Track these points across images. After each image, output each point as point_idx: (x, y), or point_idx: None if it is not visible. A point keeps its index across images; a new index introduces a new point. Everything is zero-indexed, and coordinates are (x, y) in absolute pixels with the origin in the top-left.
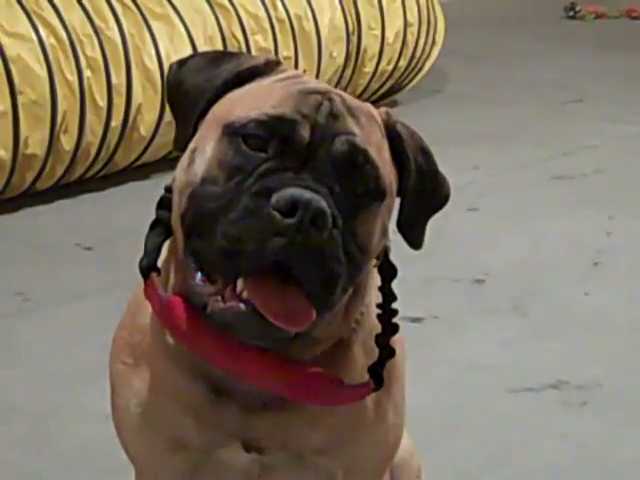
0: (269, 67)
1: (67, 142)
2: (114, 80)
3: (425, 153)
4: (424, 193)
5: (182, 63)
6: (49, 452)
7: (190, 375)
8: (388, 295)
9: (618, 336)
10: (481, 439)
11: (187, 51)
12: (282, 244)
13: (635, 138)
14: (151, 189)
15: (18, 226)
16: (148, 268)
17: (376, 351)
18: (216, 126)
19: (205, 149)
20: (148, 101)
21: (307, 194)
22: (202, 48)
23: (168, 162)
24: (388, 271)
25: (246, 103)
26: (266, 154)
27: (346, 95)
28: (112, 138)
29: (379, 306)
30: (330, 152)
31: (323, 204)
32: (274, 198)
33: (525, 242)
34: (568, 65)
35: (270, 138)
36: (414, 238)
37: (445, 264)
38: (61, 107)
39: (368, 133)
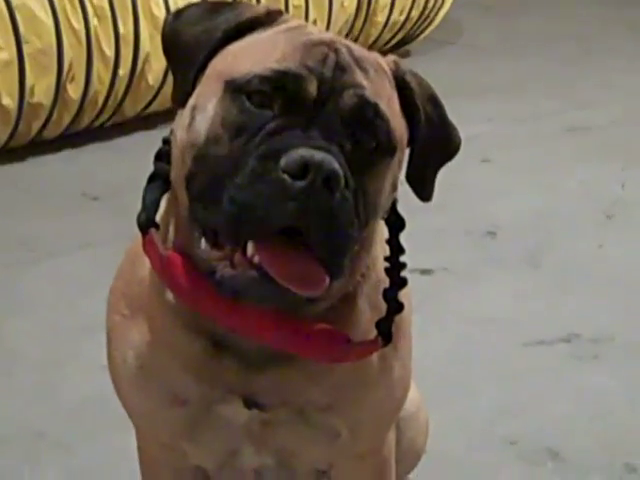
0: (271, 17)
1: (74, 91)
2: (121, 29)
3: (435, 103)
4: (434, 144)
5: (178, 14)
6: (50, 404)
7: (189, 330)
8: (396, 248)
9: (631, 289)
10: (492, 392)
11: None
12: (293, 208)
13: None
14: (159, 139)
15: (24, 175)
16: (147, 223)
17: (383, 305)
18: (217, 82)
19: (207, 107)
20: (156, 50)
21: (318, 155)
22: None
23: (176, 112)
24: (395, 223)
25: (248, 57)
26: (272, 111)
27: (353, 45)
28: (120, 87)
29: (387, 259)
30: (338, 107)
31: (335, 165)
32: (283, 160)
33: (538, 194)
34: (585, 17)
35: (275, 94)
36: (423, 190)
37: (457, 216)
38: (67, 56)
39: (377, 85)
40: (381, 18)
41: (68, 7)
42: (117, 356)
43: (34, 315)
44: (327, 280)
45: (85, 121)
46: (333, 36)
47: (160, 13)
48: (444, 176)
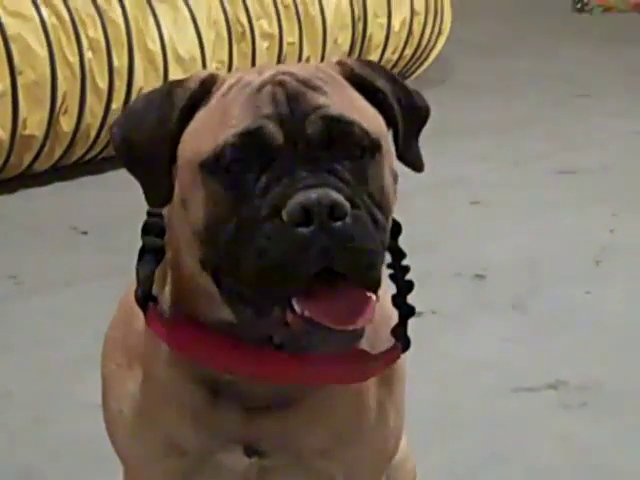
0: (206, 86)
1: (67, 124)
2: (116, 62)
3: (392, 79)
4: (407, 115)
5: (120, 123)
6: (38, 441)
7: (189, 381)
8: (396, 252)
9: (619, 336)
10: (478, 439)
11: (190, 34)
12: (315, 253)
13: None
14: None
15: (14, 208)
16: (145, 298)
17: (382, 320)
18: (192, 170)
19: (194, 196)
20: (150, 84)
21: (312, 194)
22: (206, 32)
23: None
24: (392, 227)
25: (207, 134)
26: (253, 172)
27: (295, 67)
28: (112, 121)
29: (389, 266)
30: (309, 135)
31: (333, 195)
32: (284, 214)
33: (527, 238)
34: (576, 59)
35: (248, 156)
36: (415, 160)
37: (446, 258)
38: (61, 88)
39: (334, 96)
40: (374, 56)
41: (63, 39)
42: (113, 406)
43: (21, 350)
44: (374, 301)
45: (77, 154)
46: (272, 69)
47: (155, 47)
48: (434, 216)
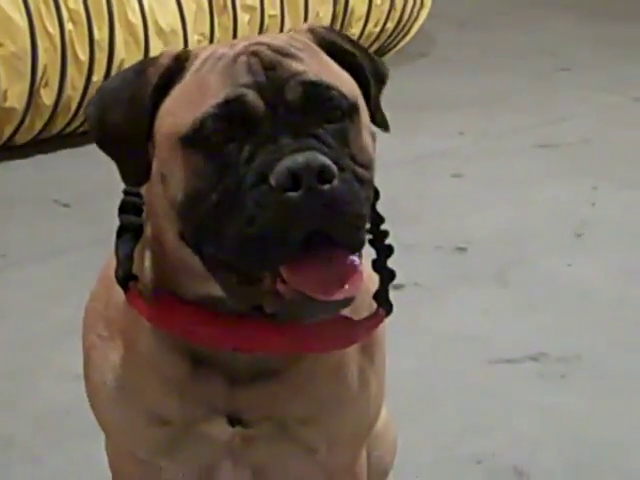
0: (180, 62)
1: (47, 96)
2: (96, 34)
3: (356, 44)
4: (374, 78)
5: (94, 103)
6: (20, 413)
7: (170, 350)
8: (375, 218)
9: (599, 309)
10: (458, 410)
11: (171, 6)
12: (305, 216)
13: (622, 108)
14: None
15: None
16: (125, 277)
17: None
18: (171, 145)
19: (174, 170)
20: (131, 56)
21: (300, 158)
22: (187, 4)
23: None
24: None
25: (185, 108)
26: (235, 142)
27: (266, 38)
28: (93, 93)
29: (368, 231)
30: (289, 102)
31: (320, 158)
32: (273, 180)
33: (508, 210)
34: (557, 33)
35: (229, 126)
36: (383, 121)
37: (427, 230)
38: (42, 60)
39: (310, 62)
40: (356, 29)
41: (43, 10)
42: (96, 377)
43: (3, 322)
44: (361, 266)
45: (57, 127)
46: (244, 41)
47: (136, 19)
48: (415, 189)
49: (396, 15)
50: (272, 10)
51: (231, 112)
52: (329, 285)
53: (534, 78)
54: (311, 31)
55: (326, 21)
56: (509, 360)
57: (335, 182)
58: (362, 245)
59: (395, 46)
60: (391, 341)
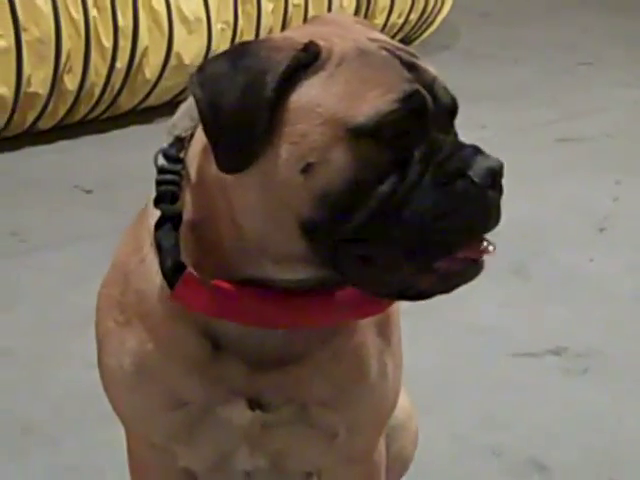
0: (310, 54)
1: (70, 82)
2: (120, 21)
3: None
4: None
5: (201, 84)
6: (39, 398)
7: (192, 333)
8: None
9: (621, 304)
10: (478, 403)
11: None
12: (493, 213)
13: None
14: (154, 133)
15: (17, 165)
16: (177, 267)
17: None
18: (329, 133)
19: (330, 159)
20: (154, 44)
21: (491, 159)
22: None
23: (172, 106)
24: None
25: (348, 100)
26: (409, 137)
27: (372, 33)
28: (116, 80)
29: None
30: (441, 103)
31: (500, 160)
32: (476, 177)
33: (530, 204)
34: (581, 26)
35: (408, 120)
36: None
37: None
38: (65, 46)
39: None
40: (380, 20)
41: None
42: (112, 362)
43: (22, 307)
44: None
45: (81, 113)
46: (364, 35)
47: (160, 6)
48: None
49: (420, 6)
50: (296, 0)
51: (412, 107)
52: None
53: (556, 72)
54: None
55: (350, 11)
56: (530, 354)
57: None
58: None
59: (418, 37)
60: (412, 333)
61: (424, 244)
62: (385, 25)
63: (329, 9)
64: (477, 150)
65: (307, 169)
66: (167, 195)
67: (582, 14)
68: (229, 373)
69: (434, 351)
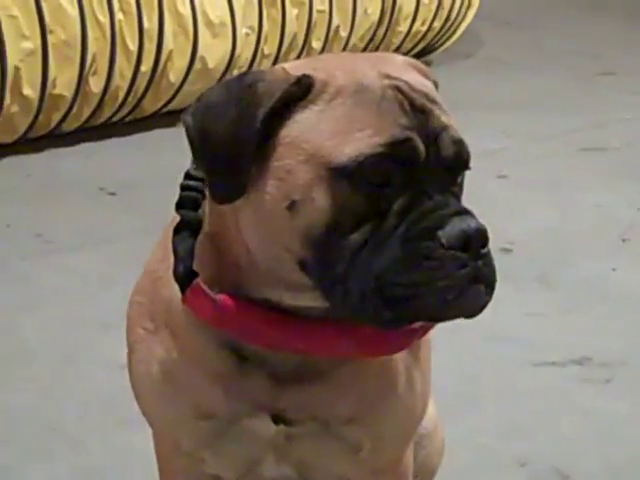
0: (302, 87)
1: (95, 84)
2: (146, 24)
3: None
4: None
5: (195, 113)
6: (65, 398)
7: (219, 347)
8: None
9: None
10: (501, 412)
11: None
12: (464, 275)
13: None
14: (178, 137)
15: (42, 167)
16: (188, 274)
17: None
18: (312, 171)
19: (312, 198)
20: (179, 47)
21: (471, 223)
22: None
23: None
24: None
25: (335, 138)
26: (392, 187)
27: (396, 69)
28: (141, 83)
29: None
30: (441, 157)
31: (482, 225)
32: (444, 239)
33: (553, 213)
34: (603, 36)
35: (392, 168)
36: None
37: None
38: (91, 49)
39: (447, 112)
40: (403, 27)
41: (94, 0)
42: (141, 369)
43: (48, 309)
44: None
45: (105, 115)
46: (379, 71)
47: (185, 10)
48: None
49: (444, 14)
50: (321, 5)
51: (398, 154)
52: None
53: (579, 81)
54: (422, 71)
55: (374, 18)
56: (553, 363)
57: (488, 247)
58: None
59: (442, 45)
60: (434, 341)
61: (388, 298)
62: (409, 32)
63: (353, 16)
64: (461, 212)
65: (292, 207)
66: (189, 201)
67: (604, 23)
68: (252, 388)
69: (457, 359)
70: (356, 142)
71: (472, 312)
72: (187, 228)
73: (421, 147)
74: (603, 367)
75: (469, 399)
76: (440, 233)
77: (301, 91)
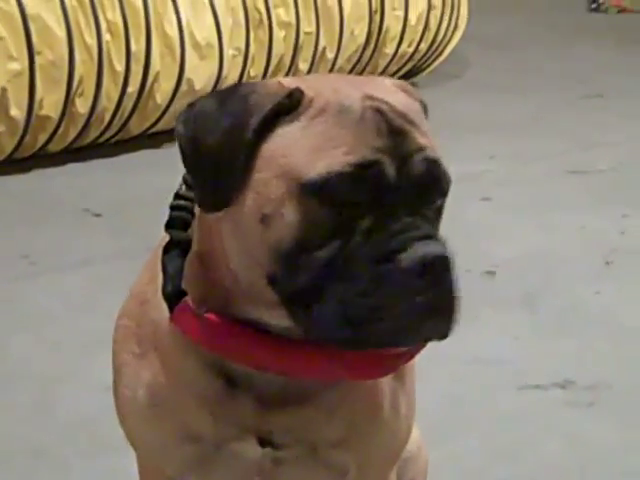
0: (293, 101)
1: (82, 105)
2: (133, 46)
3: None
4: None
5: (186, 121)
6: (49, 422)
7: (205, 369)
8: None
9: (628, 337)
10: (485, 436)
11: (208, 20)
12: (420, 303)
13: None
14: (163, 158)
15: (28, 187)
16: (176, 293)
17: None
18: (284, 185)
19: (282, 213)
20: (166, 69)
21: (432, 248)
22: (223, 19)
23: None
24: None
25: (309, 153)
26: (359, 207)
27: (382, 92)
28: (127, 104)
29: None
30: (412, 177)
31: (447, 252)
32: (403, 262)
33: (538, 236)
34: (589, 58)
35: (360, 188)
36: None
37: (456, 254)
38: (78, 70)
39: (426, 133)
40: (390, 49)
41: (82, 21)
42: (127, 393)
43: (35, 331)
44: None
45: (91, 136)
46: (357, 90)
47: (172, 31)
48: (444, 212)
49: (430, 36)
50: (308, 27)
51: (366, 175)
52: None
53: (566, 104)
54: (408, 92)
55: (360, 40)
56: (536, 386)
57: (451, 274)
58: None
59: (428, 67)
60: (418, 365)
61: (349, 318)
62: (395, 54)
63: (340, 37)
64: (426, 236)
65: (264, 220)
66: (179, 221)
67: (592, 46)
68: (240, 411)
69: (440, 382)
70: (328, 159)
71: (432, 338)
72: (176, 247)
73: (390, 170)
74: (587, 390)
75: (453, 422)
76: (400, 257)
77: (291, 104)
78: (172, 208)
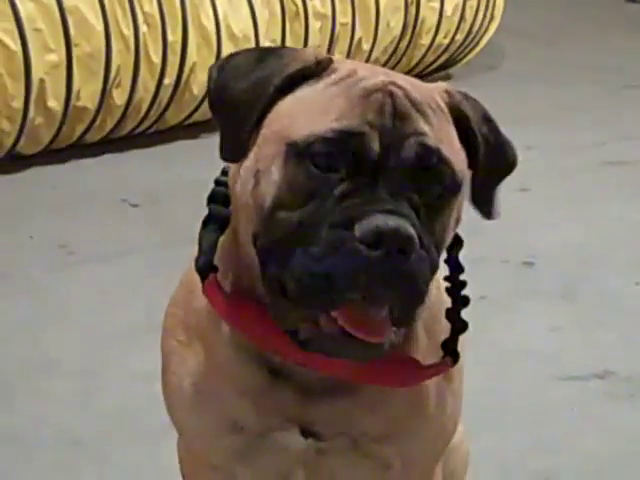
0: (320, 67)
1: (119, 97)
2: (170, 37)
3: (488, 122)
4: (493, 163)
5: (222, 66)
6: (87, 411)
7: (248, 361)
8: (455, 266)
9: None
10: (525, 427)
11: (244, 12)
12: (370, 276)
13: None
14: (199, 149)
15: (65, 178)
16: (207, 267)
17: (438, 328)
18: (277, 144)
19: (271, 170)
20: (202, 60)
21: (391, 221)
22: (260, 10)
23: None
24: (454, 242)
25: (305, 116)
26: (338, 173)
27: (408, 83)
28: (164, 95)
29: (446, 278)
30: (401, 158)
31: (410, 231)
32: (358, 230)
33: (576, 226)
34: (626, 49)
35: (340, 155)
36: (488, 208)
37: (494, 244)
38: (115, 61)
39: (437, 128)
40: (426, 40)
41: (119, 13)
42: (174, 381)
43: (71, 320)
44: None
45: (128, 127)
46: (387, 77)
47: (209, 23)
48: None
49: (466, 27)
50: (343, 18)
51: (346, 143)
52: (371, 327)
53: (602, 94)
54: (449, 94)
55: (396, 32)
56: (576, 377)
57: (412, 256)
58: (411, 324)
59: (464, 58)
60: None
61: (301, 287)
62: (431, 45)
63: (376, 28)
64: (391, 211)
65: (256, 175)
66: (220, 196)
67: (628, 37)
68: (282, 401)
69: (481, 373)
70: (316, 124)
71: (377, 314)
72: (214, 222)
73: (374, 145)
74: (626, 381)
75: (492, 414)
76: (357, 225)
77: (317, 70)
78: (216, 183)
